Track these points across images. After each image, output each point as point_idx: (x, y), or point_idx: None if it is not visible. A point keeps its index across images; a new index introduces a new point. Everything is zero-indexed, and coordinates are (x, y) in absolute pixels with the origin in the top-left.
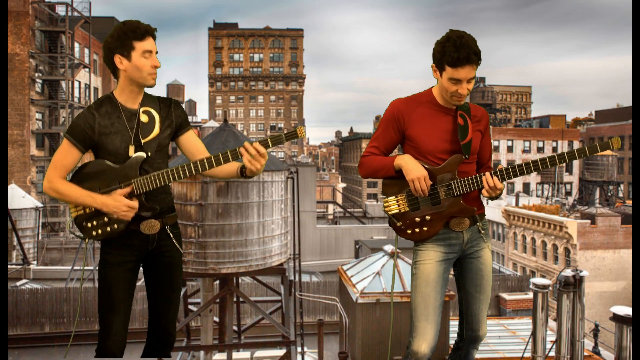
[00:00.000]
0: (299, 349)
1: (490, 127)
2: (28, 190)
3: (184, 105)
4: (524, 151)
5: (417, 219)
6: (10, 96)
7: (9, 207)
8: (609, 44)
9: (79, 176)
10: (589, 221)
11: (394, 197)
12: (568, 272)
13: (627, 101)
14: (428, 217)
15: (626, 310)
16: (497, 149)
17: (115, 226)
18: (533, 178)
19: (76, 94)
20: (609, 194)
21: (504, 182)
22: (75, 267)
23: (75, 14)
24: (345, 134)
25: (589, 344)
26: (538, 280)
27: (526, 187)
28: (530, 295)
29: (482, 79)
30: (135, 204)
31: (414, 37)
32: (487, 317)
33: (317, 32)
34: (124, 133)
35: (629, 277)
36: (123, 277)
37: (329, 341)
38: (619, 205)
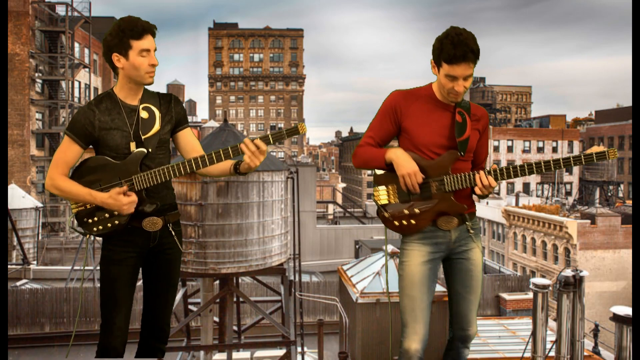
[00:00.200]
0: (299, 349)
1: (490, 128)
2: (28, 190)
3: (183, 105)
4: (524, 151)
5: (406, 211)
6: (10, 96)
7: (9, 207)
8: (609, 44)
9: (80, 171)
10: (589, 221)
11: (384, 187)
12: (568, 272)
13: (627, 101)
14: (417, 211)
15: (626, 310)
16: (497, 149)
17: (117, 221)
18: (533, 178)
19: (76, 94)
20: (609, 194)
21: (498, 182)
22: (75, 267)
23: (75, 14)
24: (345, 134)
25: (589, 344)
26: (538, 280)
27: (526, 187)
28: (530, 295)
29: (482, 79)
30: (134, 197)
31: (414, 37)
32: (487, 317)
33: (317, 32)
34: (124, 129)
35: (629, 277)
36: (125, 273)
37: (329, 341)
38: (619, 205)
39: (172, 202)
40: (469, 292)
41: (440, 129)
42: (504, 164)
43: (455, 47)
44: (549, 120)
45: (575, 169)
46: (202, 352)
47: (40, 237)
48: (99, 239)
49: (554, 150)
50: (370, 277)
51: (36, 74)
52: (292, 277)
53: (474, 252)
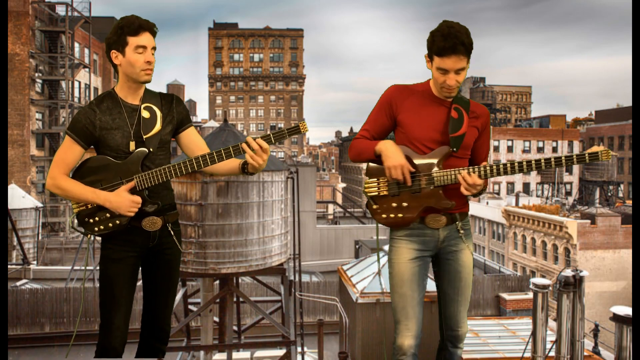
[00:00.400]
0: (299, 349)
1: (491, 128)
2: (28, 190)
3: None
4: (524, 151)
5: (394, 204)
6: (10, 96)
7: (9, 207)
8: (609, 44)
9: (81, 171)
10: (589, 221)
11: (375, 179)
12: (568, 272)
13: (627, 101)
14: (405, 204)
15: (626, 310)
16: (497, 148)
17: (118, 221)
18: (533, 178)
19: (76, 94)
20: (609, 194)
21: (483, 179)
22: (75, 267)
23: (75, 14)
24: (345, 134)
25: (589, 344)
26: (538, 280)
27: (526, 187)
28: (530, 295)
29: (482, 79)
30: (138, 199)
31: (414, 37)
32: (487, 317)
33: (317, 32)
34: (125, 129)
35: (629, 277)
36: (124, 273)
37: (329, 341)
38: (619, 205)
39: (171, 202)
40: (457, 293)
41: (435, 124)
42: None
43: (445, 39)
44: (549, 120)
45: (576, 169)
46: (202, 352)
47: (40, 237)
48: (99, 238)
49: (554, 150)
50: (370, 277)
51: (36, 74)
52: (292, 277)
53: (464, 253)
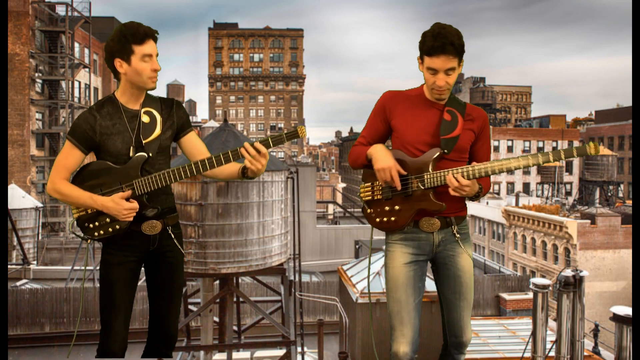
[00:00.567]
0: (299, 349)
1: (490, 128)
2: (28, 190)
3: (184, 106)
4: (524, 151)
5: (387, 208)
6: (10, 96)
7: (9, 207)
8: (609, 44)
9: (81, 176)
10: (589, 221)
11: (369, 183)
12: (568, 272)
13: (627, 101)
14: (397, 207)
15: (626, 310)
16: (497, 149)
17: (117, 226)
18: (533, 178)
19: (76, 94)
20: (609, 194)
21: (470, 179)
22: (75, 267)
23: (75, 14)
24: (345, 134)
25: (589, 344)
26: (538, 280)
27: (526, 187)
28: (530, 295)
29: (482, 79)
30: (135, 205)
31: (414, 37)
32: (487, 317)
33: (317, 32)
34: (125, 134)
35: (629, 277)
36: (124, 277)
37: (329, 341)
38: (619, 205)
39: (171, 205)
40: (459, 298)
41: (426, 126)
42: None
43: (435, 39)
44: (549, 120)
45: (576, 169)
46: (202, 352)
47: (40, 237)
48: None
49: (554, 150)
50: (370, 277)
51: (36, 74)
52: (292, 277)
53: (462, 257)
